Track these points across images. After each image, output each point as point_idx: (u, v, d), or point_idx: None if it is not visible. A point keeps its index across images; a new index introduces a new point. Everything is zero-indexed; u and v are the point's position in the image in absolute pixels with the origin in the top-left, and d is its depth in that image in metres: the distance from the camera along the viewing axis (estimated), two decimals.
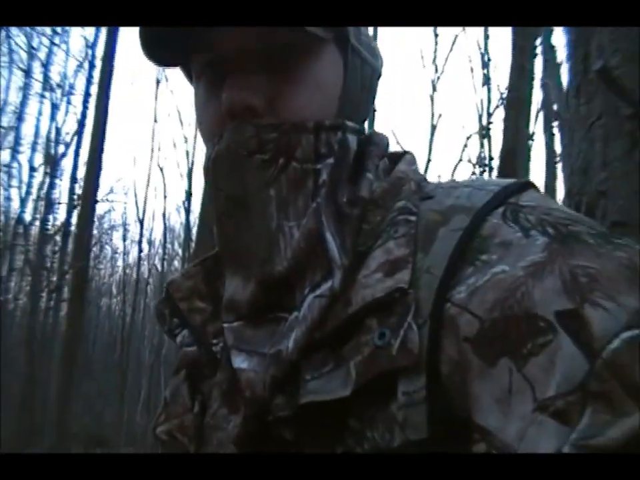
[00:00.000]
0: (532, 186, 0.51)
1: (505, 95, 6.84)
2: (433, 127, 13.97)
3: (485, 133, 11.53)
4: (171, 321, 0.61)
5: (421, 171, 0.60)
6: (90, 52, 13.11)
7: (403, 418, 0.42)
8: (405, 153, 0.61)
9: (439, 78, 14.38)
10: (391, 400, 0.43)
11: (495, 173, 8.19)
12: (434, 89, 14.32)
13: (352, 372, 0.44)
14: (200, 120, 0.58)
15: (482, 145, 11.72)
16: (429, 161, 13.72)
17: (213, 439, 0.54)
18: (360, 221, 0.53)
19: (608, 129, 0.92)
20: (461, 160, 13.79)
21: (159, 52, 0.57)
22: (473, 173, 11.88)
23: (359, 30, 0.60)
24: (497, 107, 11.35)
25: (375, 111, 10.39)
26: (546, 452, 0.36)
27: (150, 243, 19.43)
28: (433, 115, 14.16)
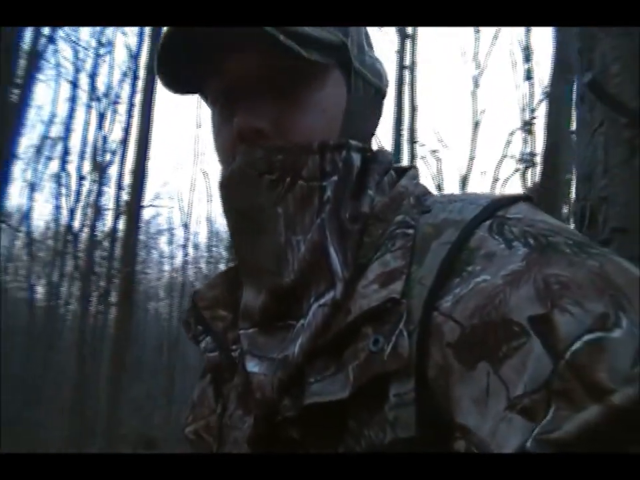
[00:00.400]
0: (524, 199, 0.54)
1: (547, 90, 6.71)
2: (476, 124, 13.81)
3: (527, 128, 11.33)
4: (196, 328, 0.65)
5: (426, 184, 0.63)
6: (133, 62, 13.38)
7: (394, 417, 0.46)
8: (410, 168, 0.64)
9: (480, 74, 14.20)
10: (384, 401, 0.47)
11: (538, 170, 8.04)
12: (476, 85, 14.15)
13: (350, 376, 0.48)
14: (215, 142, 0.63)
15: (525, 141, 11.54)
16: (471, 158, 13.56)
17: (230, 438, 0.58)
18: (361, 235, 0.56)
19: (608, 137, 0.93)
20: (504, 156, 13.60)
21: (175, 83, 0.62)
22: (517, 170, 11.68)
23: (363, 52, 0.63)
24: (540, 102, 11.14)
25: (415, 110, 10.33)
26: (513, 446, 0.39)
27: (195, 246, 19.68)
28: (475, 111, 14.00)
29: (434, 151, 14.48)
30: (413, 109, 10.31)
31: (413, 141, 10.38)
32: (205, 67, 0.59)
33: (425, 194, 0.60)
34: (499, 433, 0.40)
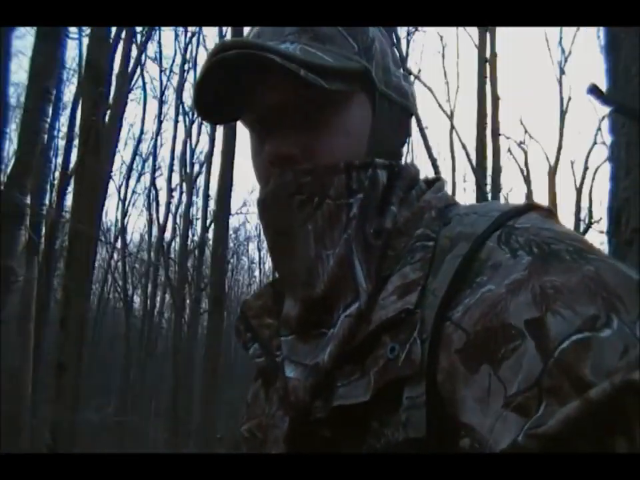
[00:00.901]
0: (535, 208, 0.57)
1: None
2: (563, 112, 13.33)
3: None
4: (245, 335, 0.70)
5: (450, 193, 0.68)
6: None
7: (406, 418, 0.50)
8: (437, 179, 0.68)
9: (566, 60, 13.72)
10: (399, 404, 0.51)
11: None
12: (562, 72, 13.67)
13: (371, 380, 0.53)
14: (254, 166, 0.68)
15: None
16: (560, 147, 13.09)
17: (271, 436, 0.62)
18: (384, 249, 0.60)
19: (630, 138, 0.92)
20: (595, 143, 13.05)
21: (211, 115, 0.67)
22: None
23: (388, 72, 0.67)
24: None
25: (497, 101, 10.08)
26: (507, 442, 0.42)
27: None
28: (562, 99, 13.53)
29: (520, 143, 14.07)
30: (495, 100, 10.05)
31: (497, 133, 10.12)
32: (238, 99, 0.64)
33: (448, 205, 0.63)
34: (496, 429, 0.43)
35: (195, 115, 15.23)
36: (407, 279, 0.56)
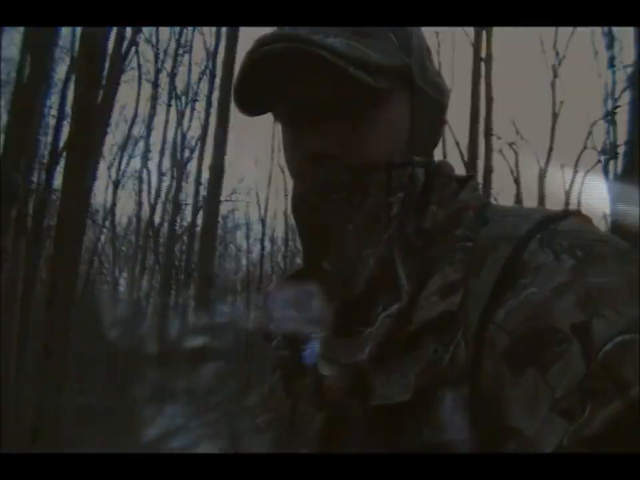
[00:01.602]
0: (575, 214, 0.57)
1: (631, 77, 6.42)
2: (555, 115, 13.38)
3: (610, 118, 10.88)
4: (268, 326, 0.70)
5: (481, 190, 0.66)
6: (211, 61, 13.71)
7: (449, 420, 0.50)
8: (469, 178, 0.66)
9: (560, 63, 13.75)
10: (441, 405, 0.51)
11: (620, 161, 7.72)
12: (555, 75, 13.71)
13: (411, 381, 0.52)
14: (287, 159, 0.66)
15: (608, 132, 11.09)
16: (550, 149, 13.15)
17: (301, 433, 0.62)
18: (424, 249, 0.59)
19: None
20: (585, 148, 13.12)
21: (249, 106, 0.66)
22: (599, 161, 11.25)
23: (425, 69, 0.65)
24: (624, 90, 10.68)
25: (491, 102, 10.12)
26: (553, 445, 0.43)
27: (272, 240, 19.95)
28: (554, 102, 13.58)
29: (511, 144, 14.13)
30: (489, 101, 10.09)
31: (489, 133, 10.17)
32: (277, 91, 0.63)
33: (484, 205, 0.62)
34: (544, 433, 0.44)
35: (187, 101, 15.18)
36: (448, 280, 0.55)
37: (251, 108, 0.66)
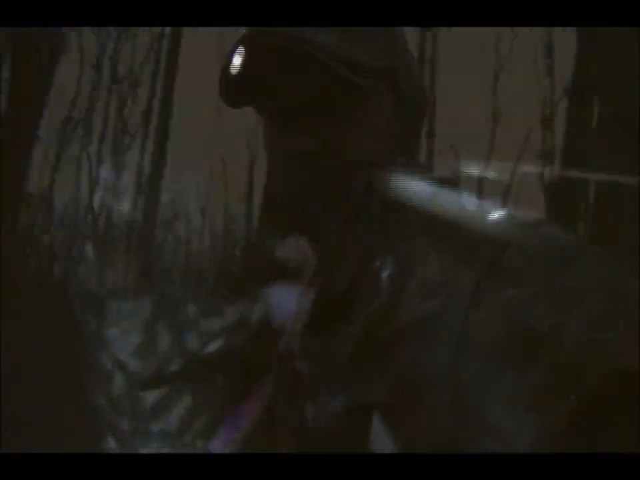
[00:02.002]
0: (547, 221, 0.59)
1: (569, 84, 6.65)
2: (494, 119, 13.69)
3: (547, 125, 11.23)
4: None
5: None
6: (156, 46, 13.42)
7: (432, 421, 0.51)
8: (448, 179, 0.68)
9: (501, 68, 14.06)
10: (422, 404, 0.52)
11: (556, 167, 8.00)
12: (496, 79, 14.01)
13: (394, 380, 0.54)
14: (267, 155, 0.67)
15: (545, 138, 11.44)
16: (490, 153, 13.44)
17: (277, 431, 0.61)
18: (407, 249, 0.60)
19: None
20: (522, 153, 13.47)
21: (234, 99, 0.66)
22: (535, 166, 11.58)
23: (410, 71, 0.67)
24: (561, 98, 11.03)
25: (434, 103, 10.28)
26: (529, 444, 0.46)
27: (212, 232, 19.69)
28: (493, 107, 13.88)
29: (452, 145, 14.38)
30: (432, 102, 10.27)
31: (431, 134, 10.35)
32: (264, 86, 0.63)
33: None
34: (520, 431, 0.47)
35: (129, 86, 14.81)
36: (430, 280, 0.56)
37: (235, 99, 0.67)
